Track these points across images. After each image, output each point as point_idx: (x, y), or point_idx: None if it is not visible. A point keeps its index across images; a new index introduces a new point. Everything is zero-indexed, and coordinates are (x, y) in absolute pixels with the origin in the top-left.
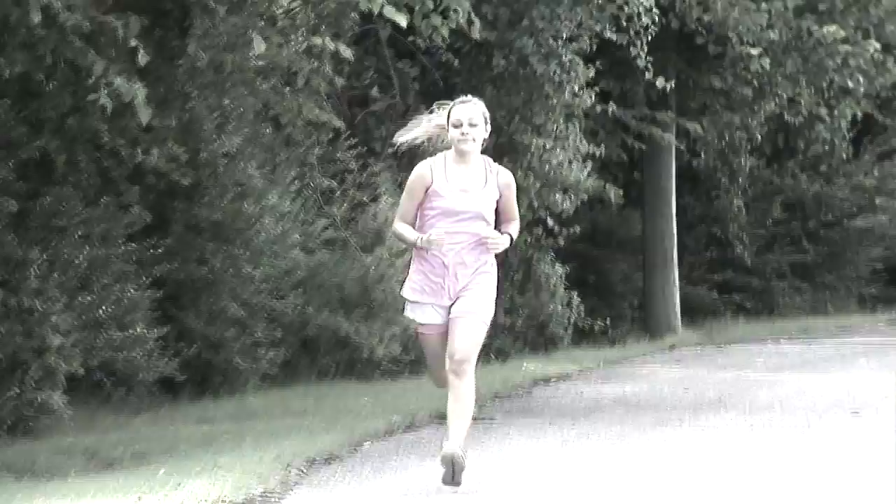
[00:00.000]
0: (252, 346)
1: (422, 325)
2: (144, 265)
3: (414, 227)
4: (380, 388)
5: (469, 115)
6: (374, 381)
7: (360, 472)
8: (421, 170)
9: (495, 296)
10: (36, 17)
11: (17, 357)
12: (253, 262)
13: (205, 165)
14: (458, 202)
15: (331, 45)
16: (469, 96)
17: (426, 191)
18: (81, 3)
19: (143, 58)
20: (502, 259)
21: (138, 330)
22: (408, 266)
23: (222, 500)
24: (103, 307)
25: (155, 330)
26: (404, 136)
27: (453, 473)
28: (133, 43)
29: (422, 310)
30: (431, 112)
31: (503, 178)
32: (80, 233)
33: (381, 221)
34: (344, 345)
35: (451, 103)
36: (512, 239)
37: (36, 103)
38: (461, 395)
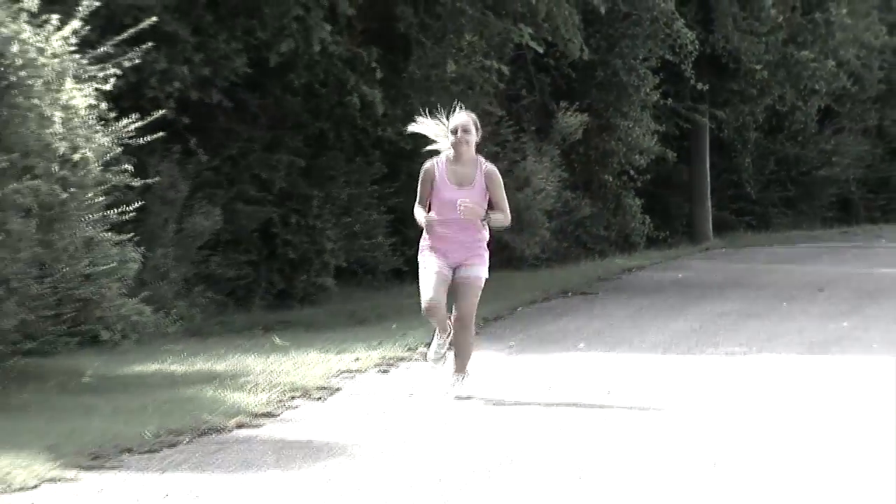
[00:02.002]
0: None
1: (428, 268)
2: (383, 199)
3: (426, 210)
4: (527, 274)
5: (463, 123)
6: (524, 270)
7: (515, 326)
8: (427, 165)
9: (487, 266)
10: (317, 48)
11: (304, 256)
12: None
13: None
14: (452, 195)
15: (496, 65)
16: (463, 109)
17: (432, 182)
18: (343, 39)
19: (379, 73)
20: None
21: (379, 239)
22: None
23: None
24: (357, 225)
25: (389, 239)
26: (417, 128)
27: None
28: (374, 65)
29: (430, 262)
30: (442, 118)
31: (487, 171)
32: (343, 179)
33: (528, 171)
34: (506, 246)
35: (453, 115)
36: (488, 220)
37: (315, 101)
38: (462, 343)
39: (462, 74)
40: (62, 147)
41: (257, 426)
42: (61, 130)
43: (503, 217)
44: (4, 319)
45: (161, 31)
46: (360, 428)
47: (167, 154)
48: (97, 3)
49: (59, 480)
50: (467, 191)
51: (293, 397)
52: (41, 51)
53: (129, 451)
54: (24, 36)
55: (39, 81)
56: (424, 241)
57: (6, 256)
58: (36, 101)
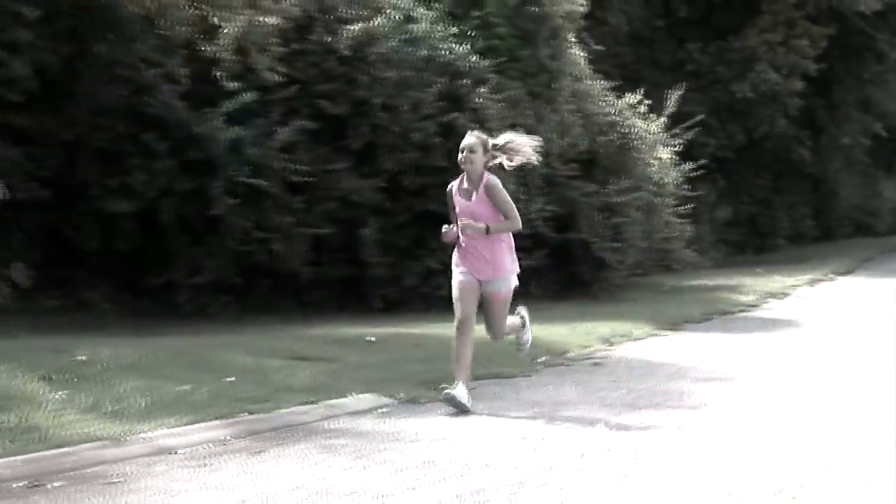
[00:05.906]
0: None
1: (459, 279)
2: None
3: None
4: None
5: (469, 144)
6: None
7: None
8: (449, 187)
9: (514, 274)
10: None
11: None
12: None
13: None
14: (463, 207)
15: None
16: (471, 131)
17: (452, 201)
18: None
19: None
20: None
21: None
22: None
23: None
24: (791, 209)
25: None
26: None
27: (457, 407)
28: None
29: (459, 272)
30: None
31: (488, 184)
32: (786, 192)
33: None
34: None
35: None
36: (488, 229)
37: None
38: (464, 355)
39: None
40: (655, 177)
41: (751, 311)
42: (655, 168)
43: (509, 223)
44: (629, 258)
45: (703, 123)
46: (801, 312)
47: (702, 181)
48: (672, 110)
49: (659, 335)
50: (472, 202)
51: (767, 298)
52: (646, 131)
53: (686, 321)
54: (637, 124)
55: (645, 145)
56: (455, 256)
57: (636, 235)
58: (643, 155)
